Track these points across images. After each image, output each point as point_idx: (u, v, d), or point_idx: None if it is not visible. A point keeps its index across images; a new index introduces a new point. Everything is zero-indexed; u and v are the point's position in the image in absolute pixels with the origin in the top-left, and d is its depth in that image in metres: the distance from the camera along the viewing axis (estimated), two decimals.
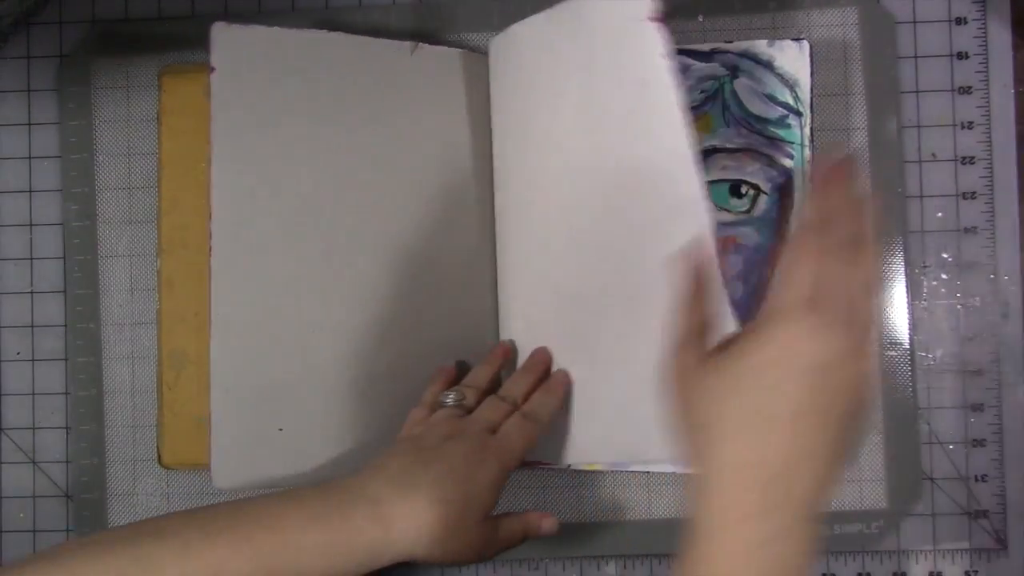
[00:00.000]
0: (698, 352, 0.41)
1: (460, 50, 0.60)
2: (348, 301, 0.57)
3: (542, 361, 0.56)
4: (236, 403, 0.55)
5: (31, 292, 0.65)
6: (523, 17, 0.57)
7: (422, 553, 0.45)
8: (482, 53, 0.61)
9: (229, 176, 0.54)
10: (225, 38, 0.54)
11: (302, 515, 0.44)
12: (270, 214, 0.55)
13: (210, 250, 0.54)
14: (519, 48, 0.58)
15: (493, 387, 0.55)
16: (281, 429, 0.55)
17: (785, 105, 0.59)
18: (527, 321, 0.58)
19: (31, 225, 0.65)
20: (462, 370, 0.58)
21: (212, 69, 0.54)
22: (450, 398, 0.53)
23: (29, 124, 0.65)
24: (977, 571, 0.61)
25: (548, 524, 0.52)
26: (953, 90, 0.62)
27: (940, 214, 0.62)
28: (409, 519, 0.44)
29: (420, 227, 0.58)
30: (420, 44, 0.59)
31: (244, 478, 0.55)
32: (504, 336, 0.59)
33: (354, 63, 0.57)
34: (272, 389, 0.55)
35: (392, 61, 0.58)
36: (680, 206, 0.49)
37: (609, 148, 0.53)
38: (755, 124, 0.60)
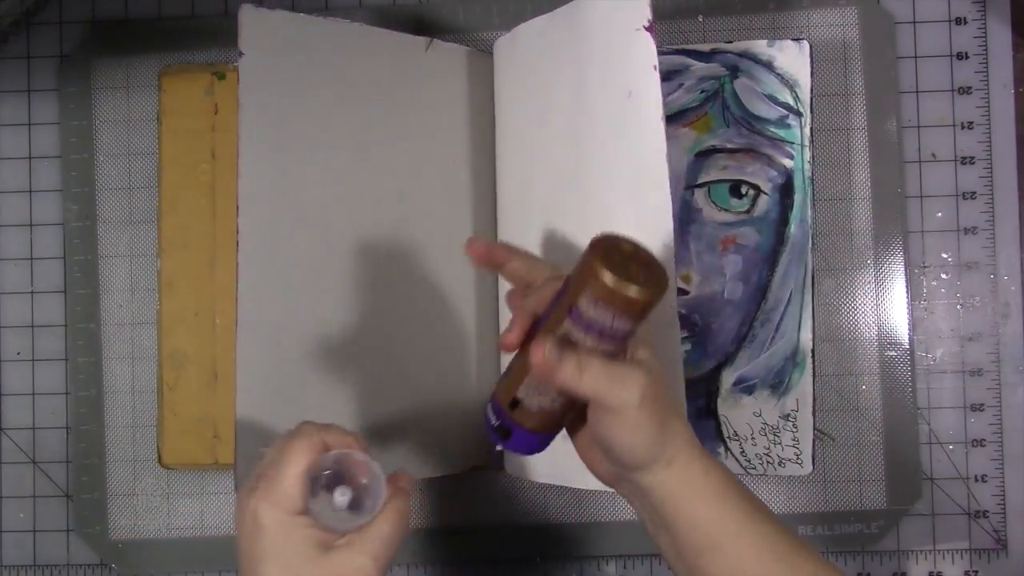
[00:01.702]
0: None
1: (471, 49, 0.60)
2: (363, 297, 0.55)
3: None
4: (261, 407, 0.51)
5: (31, 292, 0.65)
6: (524, 17, 0.57)
7: None
8: (487, 52, 0.61)
9: (257, 165, 0.51)
10: (253, 21, 0.51)
11: None
12: (295, 206, 0.52)
13: (237, 245, 0.50)
14: (521, 50, 0.58)
15: None
16: None
17: (785, 105, 0.59)
18: None
19: (31, 225, 0.65)
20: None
21: (240, 54, 0.51)
22: None
23: (29, 124, 0.65)
24: (977, 571, 0.61)
25: (404, 484, 0.44)
26: (953, 90, 0.62)
27: (940, 214, 0.62)
28: None
29: (425, 221, 0.58)
30: (434, 40, 0.58)
31: None
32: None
33: (372, 55, 0.56)
34: (292, 390, 0.52)
35: (407, 55, 0.57)
36: (645, 220, 0.48)
37: (590, 155, 0.52)
38: (755, 124, 0.60)
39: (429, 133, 0.58)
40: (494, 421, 0.42)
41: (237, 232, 0.50)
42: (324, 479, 0.41)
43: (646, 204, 0.48)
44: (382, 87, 0.56)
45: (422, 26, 0.63)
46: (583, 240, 0.50)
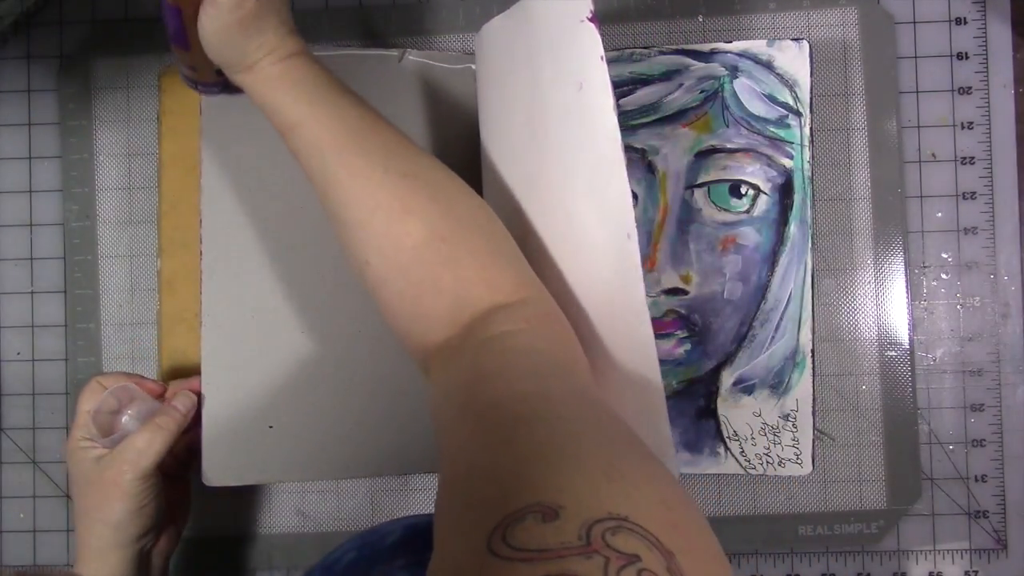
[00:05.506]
0: None
1: (448, 53, 0.60)
2: (335, 305, 0.58)
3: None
4: (226, 403, 0.56)
5: (31, 292, 0.65)
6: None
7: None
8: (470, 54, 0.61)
9: (218, 186, 0.57)
10: None
11: None
12: (258, 222, 0.57)
13: (201, 256, 0.57)
14: (485, 50, 0.56)
15: None
16: (271, 427, 0.56)
17: (785, 105, 0.59)
18: None
19: (31, 225, 0.65)
20: None
21: (201, 111, 0.57)
22: None
23: (29, 124, 0.65)
24: (977, 571, 0.61)
25: (184, 402, 0.54)
26: (953, 90, 0.62)
27: (940, 214, 0.62)
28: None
29: None
30: (407, 51, 0.59)
31: (233, 476, 0.56)
32: None
33: (340, 76, 0.57)
34: (262, 389, 0.57)
35: (379, 71, 0.59)
36: (606, 211, 0.47)
37: (548, 151, 0.50)
38: (755, 124, 0.60)
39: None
40: (219, 89, 0.54)
41: (201, 258, 0.57)
42: (122, 413, 0.53)
43: (606, 195, 0.47)
44: None
45: (422, 27, 0.63)
46: (549, 239, 0.50)
